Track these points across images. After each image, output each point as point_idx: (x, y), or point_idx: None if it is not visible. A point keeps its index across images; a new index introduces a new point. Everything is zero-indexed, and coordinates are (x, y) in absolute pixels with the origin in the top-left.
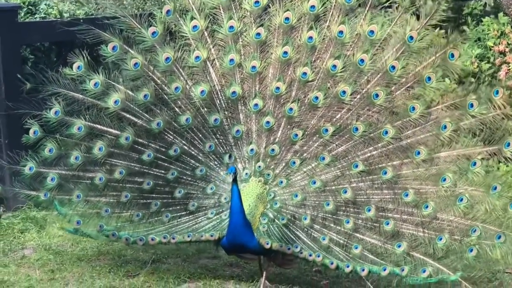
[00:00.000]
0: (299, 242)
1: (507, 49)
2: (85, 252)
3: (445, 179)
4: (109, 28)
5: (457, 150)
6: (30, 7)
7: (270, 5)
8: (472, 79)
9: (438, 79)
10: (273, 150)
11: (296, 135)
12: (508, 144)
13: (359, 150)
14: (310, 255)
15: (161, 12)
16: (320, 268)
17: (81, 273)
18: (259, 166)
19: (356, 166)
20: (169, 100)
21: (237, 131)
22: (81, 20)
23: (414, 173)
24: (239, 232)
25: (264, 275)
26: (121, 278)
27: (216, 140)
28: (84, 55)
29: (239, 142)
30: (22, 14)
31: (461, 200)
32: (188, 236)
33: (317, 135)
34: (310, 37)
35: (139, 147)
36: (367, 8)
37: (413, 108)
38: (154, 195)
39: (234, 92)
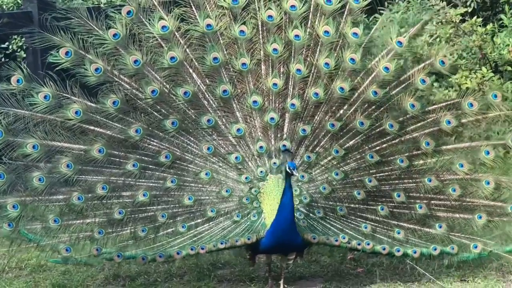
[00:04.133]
0: (342, 232)
1: None
2: None
3: (462, 165)
4: (59, 31)
5: (464, 143)
6: None
7: (250, 3)
8: (509, 68)
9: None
10: (284, 146)
11: (304, 130)
12: None
13: (370, 142)
14: (359, 244)
15: (120, 14)
16: (354, 256)
17: None
18: (275, 163)
19: (372, 157)
20: (145, 105)
21: (238, 129)
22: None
23: (428, 163)
24: (288, 230)
25: (283, 276)
26: None
27: (214, 141)
28: (23, 66)
29: (242, 141)
30: None
31: (488, 183)
32: (222, 244)
33: (325, 130)
34: (296, 35)
35: (118, 159)
36: (346, 12)
37: (413, 106)
38: (157, 207)
39: (225, 91)
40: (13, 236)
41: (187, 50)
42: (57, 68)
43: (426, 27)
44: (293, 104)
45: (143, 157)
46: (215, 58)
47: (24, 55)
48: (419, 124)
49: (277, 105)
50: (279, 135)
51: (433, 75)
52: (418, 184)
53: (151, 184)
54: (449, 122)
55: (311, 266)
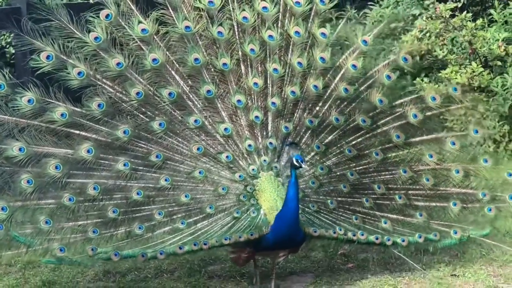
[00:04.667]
0: (336, 225)
1: None
2: None
3: (431, 156)
4: (40, 35)
5: (430, 135)
6: None
7: (226, 5)
8: (499, 63)
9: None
10: (271, 143)
11: (287, 127)
12: (476, 131)
13: (347, 137)
14: (354, 235)
15: (99, 17)
16: (345, 251)
17: None
18: (265, 160)
19: (350, 151)
20: (130, 107)
21: (226, 129)
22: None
23: (401, 155)
24: (293, 224)
25: (274, 273)
26: None
27: (203, 142)
28: (3, 71)
29: (230, 140)
30: None
31: (457, 172)
32: (226, 239)
33: (305, 127)
34: (270, 36)
35: (107, 161)
36: (313, 13)
37: (381, 101)
38: (152, 206)
39: (209, 91)
40: (4, 239)
41: (167, 52)
42: (38, 72)
43: (416, 22)
44: (274, 103)
45: (133, 159)
46: (196, 59)
47: (13, 51)
48: (388, 118)
49: (260, 103)
50: (265, 133)
51: (422, 71)
52: (395, 176)
53: (142, 184)
54: (415, 116)
55: (302, 261)
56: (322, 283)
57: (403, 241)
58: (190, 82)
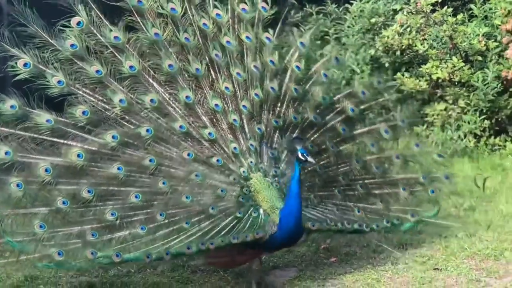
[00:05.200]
0: (324, 217)
1: None
2: None
3: (373, 145)
4: (17, 44)
5: (366, 127)
6: None
7: (186, 12)
8: (480, 57)
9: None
10: (252, 145)
11: (260, 128)
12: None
13: (306, 134)
14: (343, 225)
15: (71, 25)
16: (328, 246)
17: None
18: (251, 162)
19: (312, 147)
20: (115, 115)
21: (210, 133)
22: None
23: (349, 147)
24: (298, 219)
25: (255, 275)
26: None
27: (192, 147)
28: None
29: (216, 144)
30: None
31: (398, 157)
32: (234, 239)
33: (273, 127)
34: (228, 41)
35: (99, 166)
36: (256, 19)
37: (324, 98)
38: (155, 209)
39: (188, 97)
40: None
41: (141, 59)
42: (15, 79)
43: (396, 16)
44: (244, 106)
45: (126, 166)
46: (170, 65)
47: None
48: (332, 114)
49: (234, 107)
50: (245, 136)
51: (402, 66)
52: (351, 167)
53: (138, 189)
54: (352, 110)
55: (285, 255)
56: (306, 277)
57: (378, 226)
58: (168, 88)
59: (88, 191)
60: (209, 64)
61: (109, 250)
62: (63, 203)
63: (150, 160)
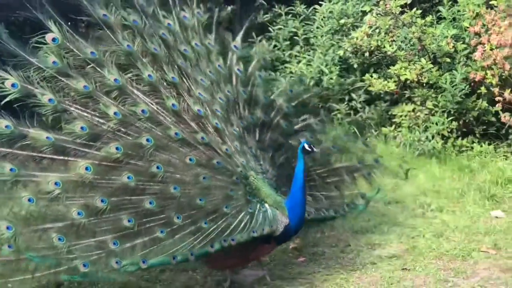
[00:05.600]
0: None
1: (482, 30)
2: None
3: (312, 137)
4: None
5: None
6: None
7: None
8: (448, 59)
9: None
10: (237, 145)
11: (236, 129)
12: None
13: (267, 133)
14: (324, 213)
15: (46, 41)
16: (297, 245)
17: None
18: (243, 161)
19: (270, 146)
20: (111, 129)
21: (202, 137)
22: None
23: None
24: (304, 209)
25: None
26: None
27: (191, 153)
28: None
29: (209, 147)
30: None
31: (334, 147)
32: (253, 232)
33: (241, 128)
34: (185, 49)
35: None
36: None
37: (265, 97)
38: (171, 213)
39: (174, 105)
40: (16, 258)
41: (120, 72)
42: (5, 100)
43: (365, 18)
44: (217, 109)
45: (136, 175)
46: (149, 75)
47: None
48: (274, 112)
49: (211, 111)
50: (228, 137)
51: (371, 67)
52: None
53: (151, 196)
54: (287, 107)
55: None
56: (275, 277)
57: (344, 210)
58: (154, 98)
59: (102, 201)
60: (179, 72)
61: (134, 257)
62: (78, 214)
63: (158, 167)
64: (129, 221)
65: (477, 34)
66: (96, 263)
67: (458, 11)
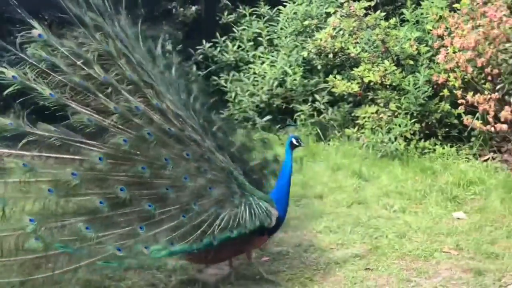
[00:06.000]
0: None
1: (445, 33)
2: None
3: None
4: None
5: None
6: None
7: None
8: (411, 61)
9: None
10: (212, 144)
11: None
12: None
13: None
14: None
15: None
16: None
17: None
18: (220, 158)
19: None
20: (113, 125)
21: (189, 135)
22: None
23: None
24: (288, 202)
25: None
26: None
27: (185, 149)
28: None
29: (197, 143)
30: None
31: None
32: (258, 222)
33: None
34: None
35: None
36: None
37: None
38: (188, 200)
39: (157, 103)
40: (44, 252)
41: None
42: (8, 91)
43: (329, 19)
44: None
45: (148, 167)
46: (129, 74)
47: None
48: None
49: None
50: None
51: (334, 68)
52: None
53: (167, 182)
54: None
55: None
56: (238, 276)
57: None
58: (140, 96)
59: (121, 189)
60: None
61: (161, 243)
62: (100, 203)
63: (165, 159)
64: (149, 206)
65: (440, 37)
66: (129, 248)
67: (422, 14)
